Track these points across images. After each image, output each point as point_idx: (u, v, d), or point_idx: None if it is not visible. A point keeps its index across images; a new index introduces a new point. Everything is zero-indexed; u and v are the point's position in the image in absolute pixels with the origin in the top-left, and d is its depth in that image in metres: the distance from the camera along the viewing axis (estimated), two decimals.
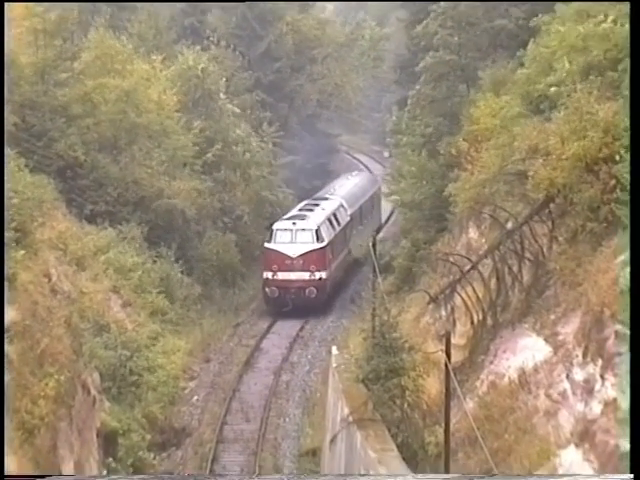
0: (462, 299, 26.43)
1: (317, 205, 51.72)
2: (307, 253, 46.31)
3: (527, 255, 25.25)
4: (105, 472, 29.92)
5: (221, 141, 51.89)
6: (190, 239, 47.52)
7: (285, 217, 49.33)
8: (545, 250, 24.79)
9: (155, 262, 43.04)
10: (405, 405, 25.13)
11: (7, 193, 20.43)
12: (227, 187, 52.64)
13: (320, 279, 46.76)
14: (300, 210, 50.80)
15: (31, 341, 25.33)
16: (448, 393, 21.30)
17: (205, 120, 51.25)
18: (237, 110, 55.82)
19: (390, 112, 52.64)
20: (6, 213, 26.25)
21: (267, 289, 46.61)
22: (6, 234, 25.87)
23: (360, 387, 25.84)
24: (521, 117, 28.20)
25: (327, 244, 47.37)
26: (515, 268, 25.46)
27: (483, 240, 29.22)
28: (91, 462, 29.11)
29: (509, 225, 26.14)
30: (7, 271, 25.34)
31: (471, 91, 37.31)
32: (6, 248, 25.77)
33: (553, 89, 26.87)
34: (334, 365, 30.48)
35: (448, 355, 21.38)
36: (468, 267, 26.87)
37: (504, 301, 25.70)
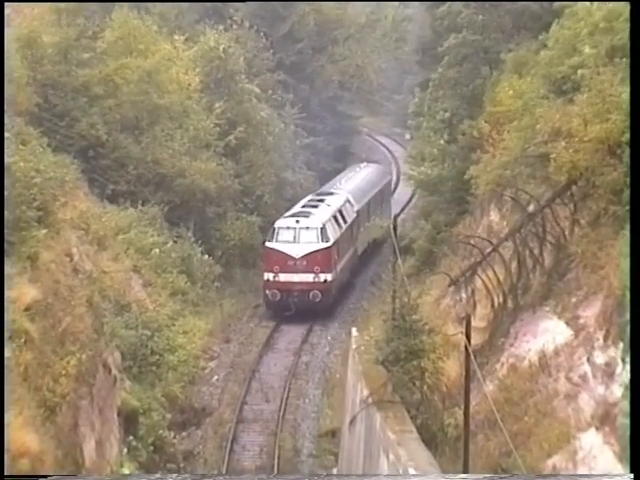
0: (483, 282, 26.36)
1: (322, 201, 48.68)
2: (311, 253, 43.61)
3: (549, 238, 25.15)
4: (126, 450, 30.15)
5: (243, 122, 51.80)
6: (211, 220, 47.59)
7: (287, 214, 46.37)
8: (567, 233, 24.69)
9: (176, 242, 43.22)
10: (425, 387, 25.14)
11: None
12: (248, 168, 52.59)
13: (325, 282, 43.91)
14: (304, 206, 47.69)
15: (53, 320, 25.49)
16: (468, 375, 21.27)
17: (227, 101, 51.17)
18: (258, 90, 55.70)
19: (412, 94, 52.39)
20: (25, 193, 26.36)
21: (268, 291, 43.75)
22: (28, 213, 26.00)
23: (380, 369, 25.85)
24: (544, 99, 28.00)
25: (333, 244, 44.59)
26: (536, 251, 25.37)
27: (504, 223, 29.13)
28: (112, 440, 29.31)
29: (531, 208, 26.03)
30: (29, 250, 25.50)
31: (494, 73, 37.09)
32: (28, 227, 25.92)
33: (579, 71, 26.66)
34: (354, 347, 30.52)
35: (468, 337, 21.34)
36: (489, 250, 26.78)
37: (525, 284, 25.63)
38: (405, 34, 75.62)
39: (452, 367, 24.99)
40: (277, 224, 44.53)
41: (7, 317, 22.55)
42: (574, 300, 22.66)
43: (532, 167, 26.42)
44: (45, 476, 13.96)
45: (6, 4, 30.59)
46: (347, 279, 48.53)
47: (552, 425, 20.13)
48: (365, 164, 63.39)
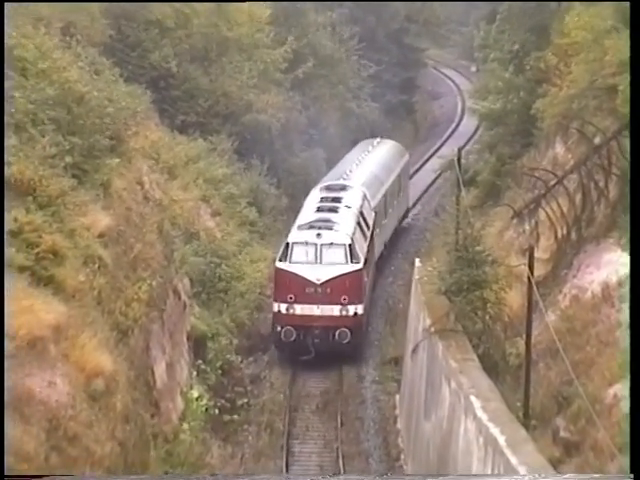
0: (546, 214, 26.20)
1: (339, 200, 37.38)
2: (337, 278, 32.89)
3: (614, 170, 24.85)
4: (195, 373, 30.60)
5: (311, 55, 51.57)
6: (278, 152, 47.54)
7: (303, 223, 34.70)
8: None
9: (244, 174, 43.31)
10: (487, 317, 25.20)
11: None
12: (314, 101, 52.47)
13: (355, 315, 33.21)
14: (319, 209, 36.22)
15: (125, 246, 25.82)
16: (530, 306, 21.24)
17: (296, 34, 50.89)
18: (326, 24, 55.39)
19: (478, 27, 51.73)
20: (99, 122, 26.55)
21: (279, 328, 33.10)
22: (102, 142, 26.23)
23: (442, 299, 25.94)
24: (614, 30, 27.46)
25: (364, 265, 34.23)
26: (602, 183, 25.12)
27: (569, 155, 28.82)
28: (182, 364, 29.79)
29: (597, 140, 25.71)
30: (102, 177, 25.76)
31: (562, 5, 36.42)
32: (101, 155, 26.16)
33: None
34: (417, 277, 30.59)
35: (531, 269, 21.28)
36: (553, 182, 26.56)
37: (589, 216, 25.43)
38: None
39: (514, 298, 24.98)
40: (291, 238, 33.73)
41: (82, 243, 22.92)
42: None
43: (599, 99, 26.04)
44: (45, 476, 13.61)
45: None
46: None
47: (614, 355, 20.06)
48: (379, 140, 50.88)
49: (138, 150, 31.14)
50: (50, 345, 19.01)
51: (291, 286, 32.89)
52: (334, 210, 35.94)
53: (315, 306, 32.89)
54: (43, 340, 18.79)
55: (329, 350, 32.90)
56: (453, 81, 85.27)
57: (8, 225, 20.76)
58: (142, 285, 25.81)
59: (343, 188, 39.05)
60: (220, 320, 33.18)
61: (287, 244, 33.44)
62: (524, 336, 21.62)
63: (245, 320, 34.58)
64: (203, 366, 31.04)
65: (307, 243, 33.06)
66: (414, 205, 53.32)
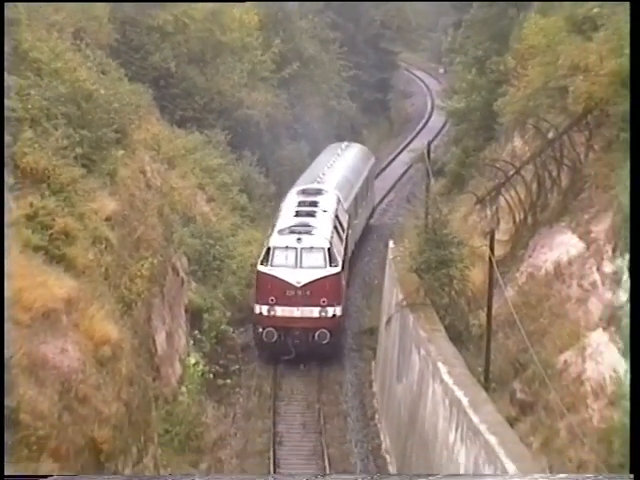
0: (506, 200, 26.30)
1: (316, 205, 35.10)
2: (316, 281, 30.90)
3: (565, 161, 24.99)
4: (192, 342, 30.61)
5: (296, 58, 51.47)
6: (266, 144, 47.46)
7: (283, 227, 32.42)
8: (582, 157, 24.50)
9: (236, 164, 43.23)
10: (452, 292, 25.33)
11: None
12: (299, 98, 52.39)
13: (334, 317, 31.22)
14: (298, 214, 33.87)
15: (129, 228, 25.78)
16: (491, 282, 21.37)
17: (282, 38, 50.80)
18: (309, 29, 55.26)
19: (446, 33, 51.72)
20: (105, 117, 26.49)
21: (261, 330, 31.14)
22: (108, 134, 26.17)
23: (413, 276, 26.03)
24: (565, 37, 27.54)
25: (342, 268, 32.32)
26: (554, 173, 25.24)
27: (526, 148, 28.90)
28: (180, 333, 29.77)
29: (550, 135, 25.81)
30: (109, 167, 25.71)
31: (520, 14, 36.40)
32: (108, 146, 26.10)
33: (595, 10, 26.21)
34: (390, 257, 30.66)
35: (492, 249, 21.40)
36: (512, 172, 26.66)
37: (543, 202, 25.55)
38: None
39: (477, 275, 25.09)
40: (272, 243, 31.60)
41: (91, 225, 22.90)
42: (586, 217, 22.56)
43: (552, 98, 26.10)
44: (45, 476, 12.79)
45: None
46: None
47: (564, 325, 20.20)
48: (346, 143, 48.56)
49: (141, 142, 31.06)
50: (62, 316, 18.99)
51: (272, 289, 30.85)
52: (312, 214, 33.77)
53: (295, 308, 30.94)
54: (56, 311, 18.78)
55: (309, 350, 31.13)
56: (423, 82, 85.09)
57: (25, 209, 20.76)
58: (144, 263, 25.78)
59: (319, 192, 36.82)
60: (214, 295, 33.12)
61: (268, 248, 31.33)
62: (485, 309, 21.75)
63: (237, 295, 34.52)
64: (199, 335, 31.01)
65: (288, 247, 31.07)
66: (389, 192, 53.34)
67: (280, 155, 48.46)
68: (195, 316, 31.35)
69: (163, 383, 26.62)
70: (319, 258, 31.10)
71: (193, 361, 29.61)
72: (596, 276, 20.13)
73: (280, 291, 30.76)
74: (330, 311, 31.05)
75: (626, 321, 17.58)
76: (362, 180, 43.62)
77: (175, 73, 43.37)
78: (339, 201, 36.71)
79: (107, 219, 23.97)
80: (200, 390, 28.88)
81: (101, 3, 38.01)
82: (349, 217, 37.79)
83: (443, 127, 61.28)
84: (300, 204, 35.09)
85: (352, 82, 61.39)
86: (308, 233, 31.68)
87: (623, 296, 18.63)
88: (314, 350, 31.07)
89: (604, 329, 18.63)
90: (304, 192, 36.92)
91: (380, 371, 31.14)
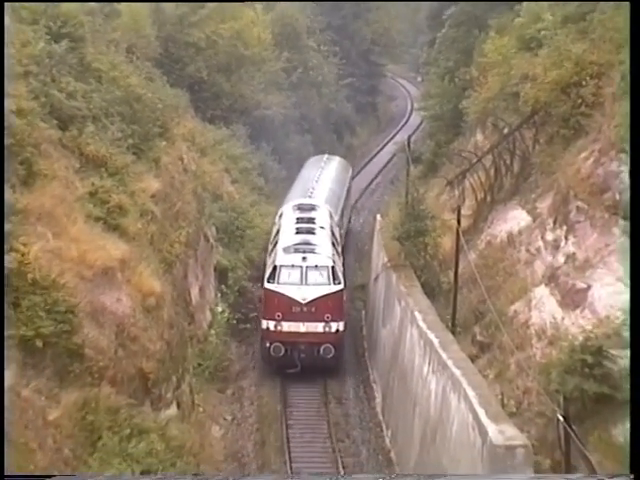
0: (470, 183, 26.36)
1: (313, 221, 30.39)
2: (321, 298, 26.68)
3: (517, 152, 25.00)
4: (219, 295, 30.59)
5: (302, 67, 51.26)
6: (279, 137, 47.24)
7: (287, 246, 28.00)
8: (530, 149, 24.52)
9: (255, 153, 43.11)
10: (427, 256, 25.37)
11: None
12: (305, 100, 52.17)
13: (337, 332, 26.90)
14: (298, 232, 29.15)
15: (169, 204, 25.77)
16: (457, 248, 21.45)
17: (292, 53, 50.52)
18: (314, 44, 54.94)
19: (422, 49, 51.30)
20: (152, 115, 26.43)
21: (269, 344, 26.85)
22: (154, 129, 26.11)
23: (395, 243, 26.07)
24: (516, 53, 27.44)
25: (344, 286, 27.61)
26: (508, 161, 25.27)
27: (486, 141, 28.89)
28: (210, 288, 29.78)
29: (505, 130, 25.81)
30: (154, 155, 25.67)
31: (482, 34, 36.18)
32: (153, 138, 26.04)
33: (542, 32, 26.14)
34: (378, 227, 30.68)
35: (459, 222, 21.48)
36: (475, 160, 26.71)
37: (499, 184, 25.59)
38: (420, 4, 73.51)
39: (447, 242, 25.14)
40: (279, 261, 27.22)
41: (139, 201, 22.91)
42: (533, 196, 22.62)
43: (507, 101, 26.08)
44: (45, 476, 11.39)
45: None
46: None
47: (515, 282, 20.28)
48: (327, 156, 43.76)
49: (179, 135, 30.98)
50: (117, 273, 19.07)
51: (279, 305, 26.64)
52: (311, 232, 29.28)
53: (301, 323, 26.72)
54: (112, 269, 18.86)
55: (314, 364, 26.81)
56: (405, 88, 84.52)
57: (87, 188, 20.79)
58: (182, 231, 25.77)
59: (313, 208, 32.04)
60: (237, 257, 32.96)
61: (275, 267, 27.05)
62: (453, 269, 21.88)
63: (255, 257, 34.36)
64: (225, 289, 30.92)
65: (293, 266, 26.89)
66: (377, 175, 53.23)
67: (289, 146, 48.26)
68: (222, 274, 31.28)
69: (196, 327, 26.68)
70: (323, 276, 27.04)
71: (220, 309, 29.60)
72: (540, 243, 20.22)
73: (286, 307, 26.64)
74: (334, 326, 26.87)
75: (563, 279, 17.65)
76: (345, 192, 39.68)
77: (206, 80, 43.12)
78: (331, 216, 32.55)
79: (152, 196, 23.97)
80: (226, 332, 28.90)
81: (148, 24, 37.82)
82: (339, 229, 33.78)
83: (420, 124, 60.92)
84: (298, 221, 30.48)
85: (348, 88, 61.16)
86: (312, 252, 27.60)
87: (561, 259, 18.73)
88: (319, 364, 26.89)
89: (546, 285, 18.74)
90: (300, 208, 32.15)
91: (369, 318, 31.23)
